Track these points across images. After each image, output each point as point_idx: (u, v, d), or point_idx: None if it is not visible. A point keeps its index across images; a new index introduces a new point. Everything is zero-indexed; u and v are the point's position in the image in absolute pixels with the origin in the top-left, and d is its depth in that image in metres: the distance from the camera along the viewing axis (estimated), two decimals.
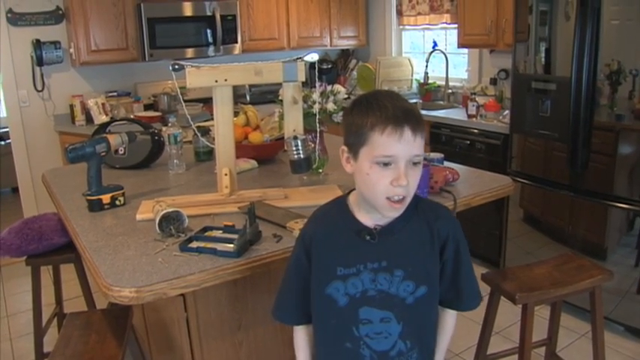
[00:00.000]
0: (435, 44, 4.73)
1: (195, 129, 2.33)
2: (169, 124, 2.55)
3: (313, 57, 1.92)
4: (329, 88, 2.34)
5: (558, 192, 3.17)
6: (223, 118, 1.94)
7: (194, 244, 1.62)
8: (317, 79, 2.14)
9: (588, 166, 2.98)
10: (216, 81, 1.89)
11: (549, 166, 3.22)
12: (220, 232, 1.72)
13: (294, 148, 1.96)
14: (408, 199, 1.21)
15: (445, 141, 3.95)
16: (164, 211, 1.71)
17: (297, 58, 1.91)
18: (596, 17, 2.78)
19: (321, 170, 2.37)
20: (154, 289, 1.39)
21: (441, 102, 4.68)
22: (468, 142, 3.77)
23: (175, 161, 2.52)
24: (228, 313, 1.82)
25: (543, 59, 3.12)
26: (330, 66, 5.42)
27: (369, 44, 5.53)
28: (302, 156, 1.97)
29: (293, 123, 2.00)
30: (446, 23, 4.59)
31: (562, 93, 2.96)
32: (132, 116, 4.28)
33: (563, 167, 3.10)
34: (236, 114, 2.54)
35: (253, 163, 2.51)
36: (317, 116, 2.12)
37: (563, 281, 2.13)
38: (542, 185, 3.28)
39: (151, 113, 4.35)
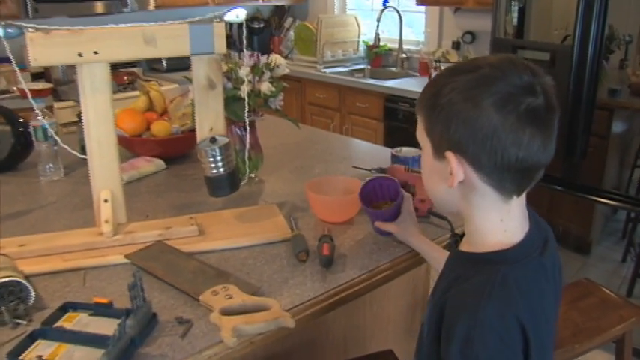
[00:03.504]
0: (386, 0, 4.05)
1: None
2: (37, 112, 1.79)
3: (239, 15, 1.22)
4: (263, 58, 1.64)
5: (548, 186, 2.61)
6: (96, 114, 1.22)
7: (38, 348, 0.92)
8: (245, 47, 1.44)
9: (587, 155, 2.43)
10: (81, 55, 1.16)
11: None
12: (89, 313, 1.03)
13: (210, 159, 1.27)
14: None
15: (403, 118, 3.32)
16: None
17: (214, 17, 1.21)
18: None
19: (253, 175, 1.70)
20: None
21: (393, 68, 4.03)
22: None
23: (49, 165, 1.78)
24: None
25: (533, 22, 2.52)
26: (262, 25, 4.63)
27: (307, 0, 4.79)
28: (223, 171, 1.28)
29: (209, 118, 1.30)
30: None
31: (560, 65, 2.37)
32: (15, 88, 3.42)
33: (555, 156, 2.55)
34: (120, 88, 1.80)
35: (158, 163, 1.80)
36: (246, 102, 1.42)
37: (587, 329, 1.58)
38: None
39: (40, 85, 3.47)
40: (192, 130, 1.82)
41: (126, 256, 1.20)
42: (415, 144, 1.73)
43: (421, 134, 0.86)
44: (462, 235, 0.95)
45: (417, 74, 3.79)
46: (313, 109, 4.02)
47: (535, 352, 0.78)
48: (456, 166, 0.80)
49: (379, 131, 3.53)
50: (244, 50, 1.36)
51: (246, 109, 1.38)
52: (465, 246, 0.91)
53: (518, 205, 0.85)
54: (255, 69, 1.59)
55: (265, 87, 1.57)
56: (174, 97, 1.98)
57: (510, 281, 0.78)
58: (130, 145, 1.80)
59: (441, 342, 0.80)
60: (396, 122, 3.38)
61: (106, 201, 1.25)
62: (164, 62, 4.11)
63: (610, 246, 3.06)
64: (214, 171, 1.28)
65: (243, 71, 1.53)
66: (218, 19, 1.20)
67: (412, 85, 3.45)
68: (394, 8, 3.93)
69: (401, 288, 1.73)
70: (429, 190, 0.91)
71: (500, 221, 0.84)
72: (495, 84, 0.76)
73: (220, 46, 1.22)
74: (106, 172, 1.26)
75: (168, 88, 2.19)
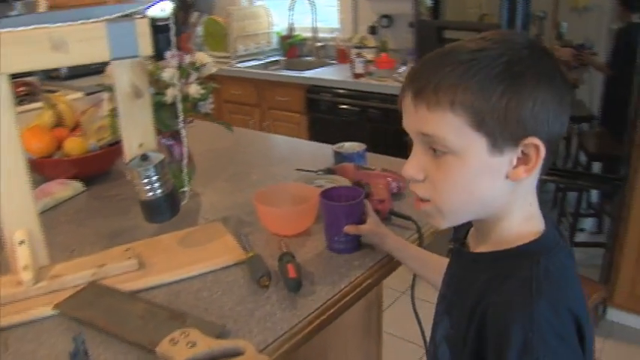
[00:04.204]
0: None
1: None
2: None
3: (163, 8, 1.05)
4: (187, 58, 1.47)
5: None
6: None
7: None
8: (172, 45, 1.27)
9: None
10: None
11: None
12: None
13: (145, 181, 1.09)
14: (435, 206, 0.77)
15: (326, 109, 3.22)
16: None
17: (135, 12, 1.03)
18: None
19: (187, 188, 1.51)
20: None
21: (309, 58, 3.91)
22: (358, 108, 3.06)
23: None
24: None
25: (449, 2, 2.48)
26: (166, 22, 4.36)
27: None
28: (160, 192, 1.11)
29: (137, 132, 1.12)
30: None
31: None
32: None
33: None
34: (16, 101, 1.58)
35: (75, 186, 1.57)
36: (179, 108, 1.25)
37: None
38: None
39: None
40: (112, 144, 1.62)
41: (55, 307, 1.00)
42: (343, 137, 1.65)
43: (461, 133, 0.71)
44: (465, 237, 0.86)
45: (335, 62, 3.68)
46: (230, 106, 3.83)
47: (589, 341, 0.73)
48: (543, 150, 0.72)
49: (302, 124, 3.40)
50: (171, 49, 1.18)
51: (181, 117, 1.20)
52: (482, 247, 0.81)
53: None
54: (180, 70, 1.41)
55: (194, 90, 1.40)
56: (86, 109, 1.75)
57: (552, 271, 0.73)
58: (39, 168, 1.56)
59: (489, 354, 0.72)
60: (319, 114, 3.27)
61: (22, 242, 1.05)
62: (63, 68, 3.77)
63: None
64: (150, 193, 1.09)
65: (168, 74, 1.35)
66: (140, 15, 1.02)
67: (331, 73, 3.35)
68: None
69: None
70: (471, 197, 0.75)
71: (529, 205, 0.78)
72: (535, 56, 0.72)
73: (145, 47, 1.05)
74: (18, 207, 1.04)
75: (75, 97, 1.96)
